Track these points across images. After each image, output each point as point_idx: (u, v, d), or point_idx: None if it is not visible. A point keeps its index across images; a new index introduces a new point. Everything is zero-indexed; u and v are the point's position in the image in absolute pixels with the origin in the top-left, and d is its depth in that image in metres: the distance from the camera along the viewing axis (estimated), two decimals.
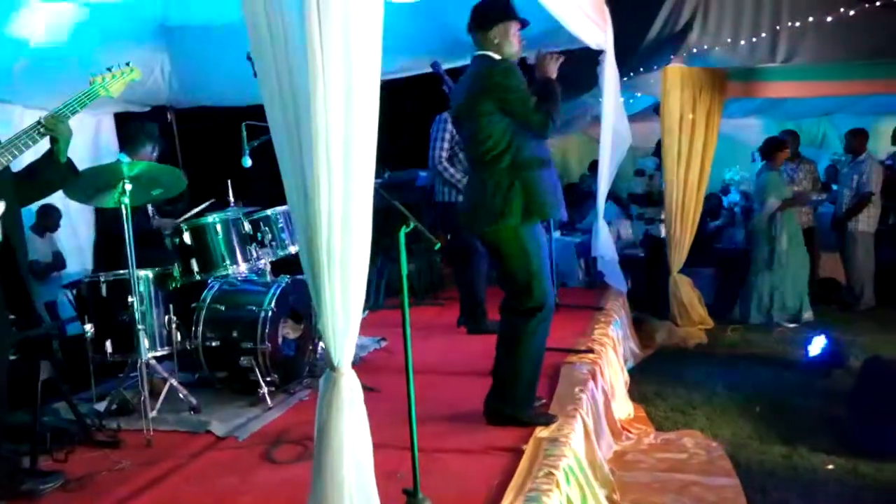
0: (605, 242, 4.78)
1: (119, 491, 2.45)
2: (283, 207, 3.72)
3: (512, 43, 2.76)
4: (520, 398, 2.75)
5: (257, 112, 4.31)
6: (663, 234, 5.45)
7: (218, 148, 5.05)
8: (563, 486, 2.31)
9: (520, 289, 2.71)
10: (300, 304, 3.54)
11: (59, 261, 4.22)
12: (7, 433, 2.54)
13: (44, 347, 2.80)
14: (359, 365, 3.73)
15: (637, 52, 5.55)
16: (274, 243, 3.58)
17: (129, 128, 3.90)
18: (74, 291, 3.38)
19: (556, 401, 2.97)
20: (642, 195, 6.68)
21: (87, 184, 2.96)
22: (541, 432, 2.64)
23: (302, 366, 3.53)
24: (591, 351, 3.56)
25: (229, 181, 3.73)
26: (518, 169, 2.68)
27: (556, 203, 2.78)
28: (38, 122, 2.32)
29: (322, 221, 1.54)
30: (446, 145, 4.28)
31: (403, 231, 1.98)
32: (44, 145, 2.41)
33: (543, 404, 2.89)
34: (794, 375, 4.35)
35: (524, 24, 2.81)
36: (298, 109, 1.54)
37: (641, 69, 5.55)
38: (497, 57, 2.74)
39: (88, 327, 3.08)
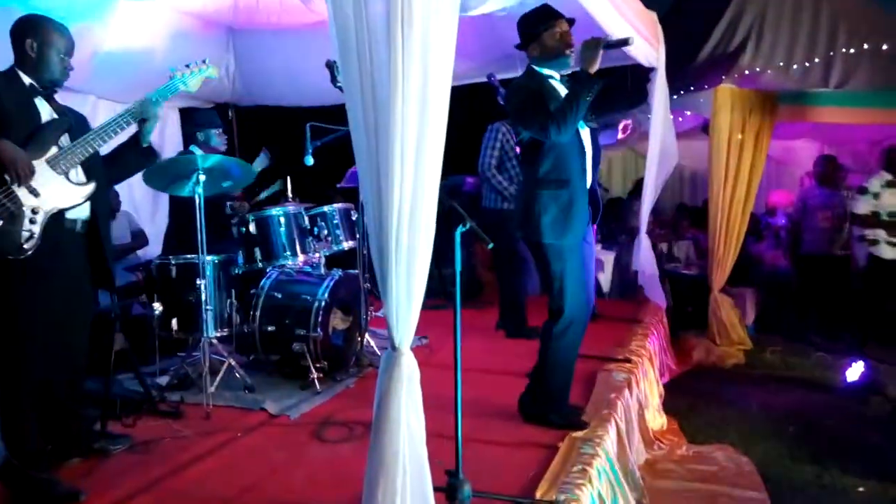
0: (646, 256, 4.86)
1: (181, 456, 2.65)
2: (340, 205, 3.94)
3: (557, 48, 2.74)
4: (550, 400, 2.85)
5: (317, 113, 4.57)
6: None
7: (274, 145, 5.30)
8: (595, 483, 2.42)
9: (553, 295, 2.81)
10: (350, 297, 3.73)
11: (141, 240, 4.50)
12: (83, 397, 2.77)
13: (117, 320, 3.02)
14: None
15: (688, 71, 5.61)
16: (329, 238, 3.79)
17: (198, 120, 4.15)
18: (143, 272, 3.63)
19: (591, 405, 3.08)
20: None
21: (165, 173, 3.21)
22: (575, 432, 2.75)
23: (348, 356, 3.72)
24: (627, 360, 3.66)
25: (288, 177, 3.95)
26: (536, 185, 2.76)
27: (567, 227, 2.73)
28: (132, 107, 2.53)
29: (393, 215, 1.71)
30: (496, 153, 4.43)
31: (459, 230, 2.12)
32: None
33: (580, 409, 2.98)
34: (831, 399, 4.35)
35: (570, 22, 2.80)
36: (378, 116, 1.71)
37: (692, 88, 5.61)
38: (542, 71, 2.80)
39: (157, 306, 3.31)
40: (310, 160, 3.73)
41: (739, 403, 4.24)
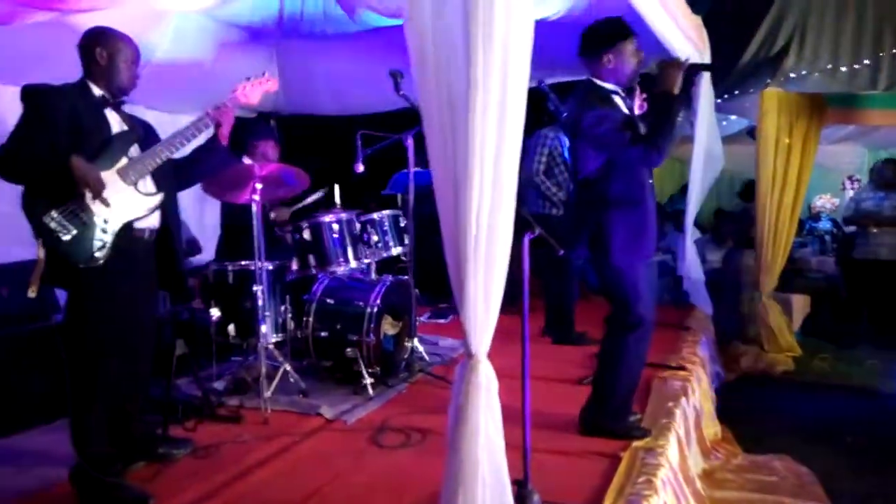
0: (691, 263, 4.79)
1: (243, 461, 2.68)
2: (388, 211, 3.96)
3: (628, 63, 2.70)
4: (614, 410, 2.82)
5: (359, 122, 4.61)
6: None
7: (316, 154, 5.35)
8: (661, 494, 2.39)
9: (619, 305, 2.77)
10: (400, 302, 3.74)
11: (195, 247, 4.59)
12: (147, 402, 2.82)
13: (179, 326, 3.08)
14: (449, 365, 3.93)
15: (731, 75, 5.54)
16: (379, 244, 3.81)
17: (250, 130, 4.21)
18: (199, 278, 3.68)
19: (648, 414, 3.05)
20: None
21: (221, 181, 3.26)
22: (637, 442, 2.72)
23: (399, 361, 3.73)
24: (682, 368, 3.61)
25: (336, 185, 3.98)
26: (604, 206, 2.68)
27: (637, 248, 2.71)
28: (206, 114, 2.58)
29: (471, 222, 1.71)
30: (544, 159, 4.42)
31: (527, 237, 2.12)
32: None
33: (639, 419, 2.96)
34: (887, 407, 4.24)
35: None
36: (455, 122, 1.71)
37: (736, 92, 5.54)
38: (608, 87, 2.72)
39: (214, 311, 3.36)
40: (360, 167, 3.75)
41: (792, 412, 4.16)
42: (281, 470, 2.63)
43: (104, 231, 2.32)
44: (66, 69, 2.45)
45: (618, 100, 2.76)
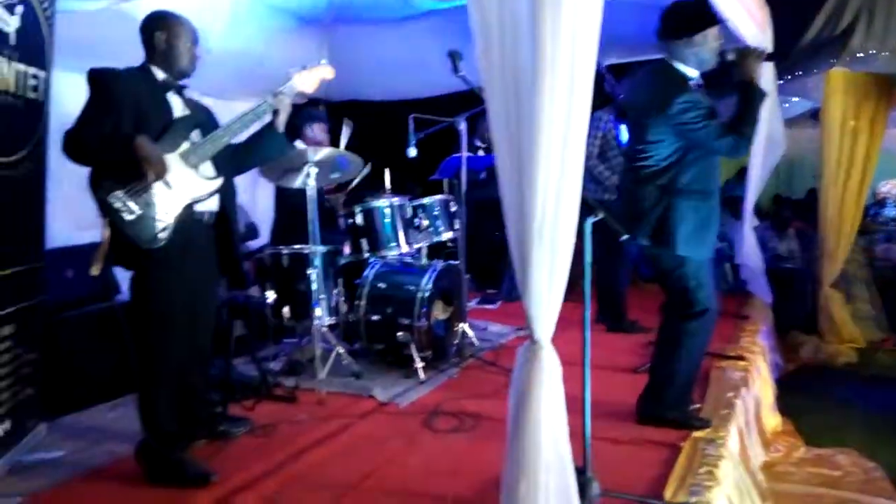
0: (750, 250, 4.64)
1: (299, 441, 2.72)
2: (439, 196, 3.94)
3: (712, 49, 2.60)
4: (674, 400, 2.75)
5: (409, 106, 4.59)
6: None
7: (366, 139, 5.34)
8: (724, 485, 2.33)
9: (681, 295, 2.69)
10: (450, 287, 3.74)
11: (253, 232, 4.69)
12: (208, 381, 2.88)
13: (235, 308, 3.14)
14: (499, 351, 3.92)
15: (793, 54, 5.31)
16: (430, 229, 3.80)
17: (303, 115, 4.23)
18: (255, 262, 3.74)
19: (708, 404, 2.97)
20: None
21: (277, 165, 3.30)
22: (696, 432, 2.66)
23: (449, 346, 3.73)
24: (741, 358, 3.51)
25: (387, 170, 3.99)
26: (673, 194, 2.59)
27: (703, 240, 2.64)
28: (266, 101, 2.59)
29: (537, 207, 1.67)
30: (597, 142, 4.33)
31: (590, 222, 2.07)
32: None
33: (698, 409, 2.88)
34: None
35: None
36: (521, 103, 1.68)
37: (799, 72, 5.30)
38: (685, 71, 2.61)
39: (270, 294, 3.41)
40: (412, 151, 3.74)
41: (856, 404, 4.01)
42: (336, 450, 2.67)
43: (166, 213, 2.37)
44: (124, 57, 2.49)
45: (693, 86, 2.64)
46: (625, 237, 2.14)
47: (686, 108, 2.51)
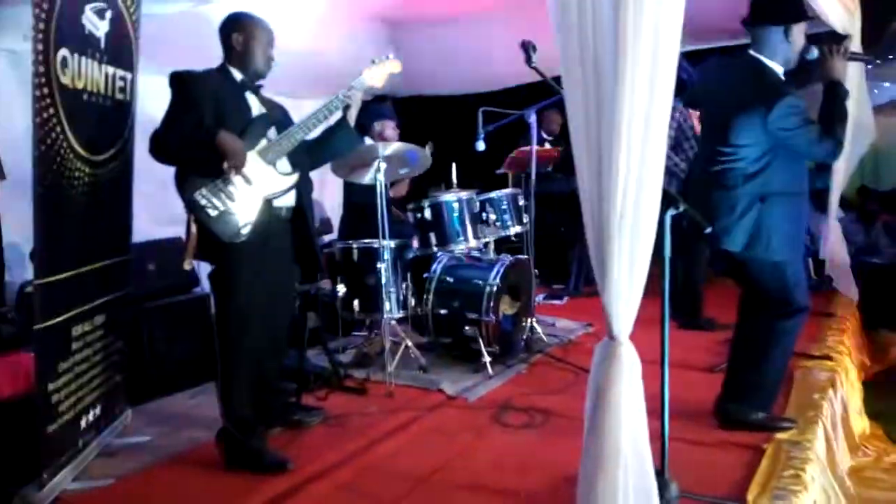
0: (835, 245, 4.40)
1: (371, 432, 2.76)
2: (507, 190, 3.91)
3: (798, 46, 2.47)
4: (759, 401, 2.62)
5: (473, 100, 4.56)
6: None
7: (431, 133, 5.36)
8: (811, 490, 2.22)
9: (779, 295, 2.55)
10: (518, 282, 3.70)
11: (326, 227, 4.81)
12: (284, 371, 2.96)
13: (310, 300, 3.20)
14: (568, 347, 3.86)
15: (884, 38, 5.00)
16: (498, 223, 3.77)
17: (372, 111, 4.28)
18: (326, 256, 3.81)
19: (792, 405, 2.84)
20: None
21: (347, 161, 3.34)
22: (780, 434, 2.54)
23: (517, 341, 3.70)
24: (828, 358, 3.33)
25: (454, 164, 3.97)
26: (766, 200, 2.46)
27: (797, 241, 2.55)
28: (337, 97, 2.63)
29: (616, 198, 1.63)
30: (672, 133, 4.19)
31: (670, 214, 2.00)
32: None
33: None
34: None
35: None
36: (600, 93, 1.63)
37: (890, 56, 4.99)
38: (775, 67, 2.47)
39: (341, 287, 3.47)
40: (481, 145, 3.72)
41: None
42: (407, 442, 2.69)
43: (247, 208, 2.44)
44: (203, 59, 2.57)
45: (788, 87, 2.49)
46: (709, 229, 2.04)
47: (788, 112, 2.36)
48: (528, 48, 2.89)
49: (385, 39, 5.46)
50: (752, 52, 2.50)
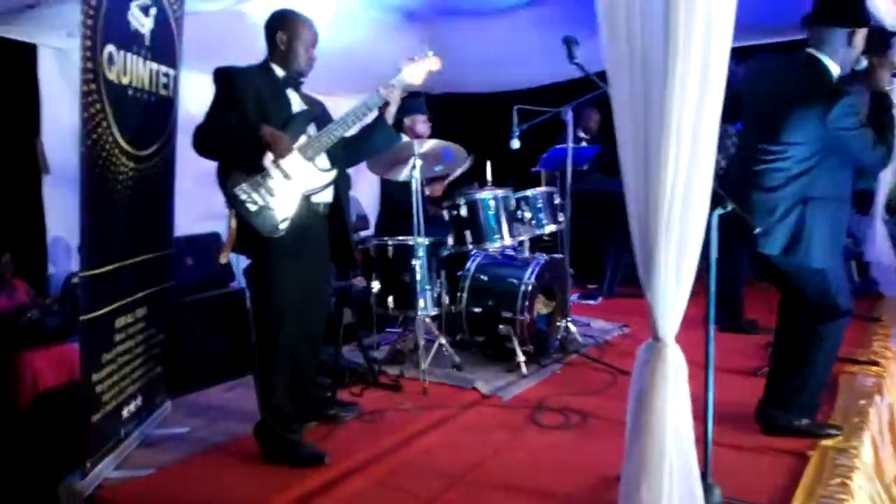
0: (881, 247, 4.27)
1: (406, 429, 2.76)
2: (543, 188, 3.87)
3: (858, 50, 2.39)
4: (802, 407, 2.55)
5: (507, 98, 4.52)
6: None
7: (465, 131, 5.34)
8: (858, 498, 2.16)
9: (821, 299, 2.48)
10: (553, 281, 3.67)
11: (363, 223, 4.83)
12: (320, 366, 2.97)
13: (344, 296, 3.22)
14: (603, 347, 3.81)
15: None
16: (533, 222, 3.74)
17: (405, 107, 4.27)
18: (361, 252, 3.82)
19: (838, 412, 2.76)
20: None
21: (383, 158, 3.34)
22: (825, 440, 2.48)
23: (552, 340, 3.67)
24: (874, 363, 3.23)
25: (488, 162, 3.95)
26: (808, 202, 2.38)
27: (837, 247, 2.47)
28: (377, 91, 2.63)
29: (664, 197, 1.59)
30: None
31: (716, 214, 1.96)
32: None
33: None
34: None
35: None
36: (649, 90, 1.60)
37: None
38: (833, 69, 2.39)
39: (375, 284, 3.48)
40: (516, 143, 3.69)
41: None
42: (442, 440, 2.68)
43: (286, 204, 2.45)
44: (243, 56, 2.58)
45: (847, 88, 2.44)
46: (757, 230, 1.98)
47: (848, 112, 2.30)
48: (570, 44, 2.85)
49: (420, 36, 5.45)
50: (811, 50, 2.42)
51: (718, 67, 1.58)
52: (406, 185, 3.35)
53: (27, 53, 3.64)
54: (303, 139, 2.54)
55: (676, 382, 1.66)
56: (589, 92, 3.65)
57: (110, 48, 2.31)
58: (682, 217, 1.61)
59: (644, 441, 1.66)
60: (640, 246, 1.68)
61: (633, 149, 1.66)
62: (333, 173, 2.59)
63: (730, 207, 1.91)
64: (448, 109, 6.61)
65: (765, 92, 2.54)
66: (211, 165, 2.48)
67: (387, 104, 2.66)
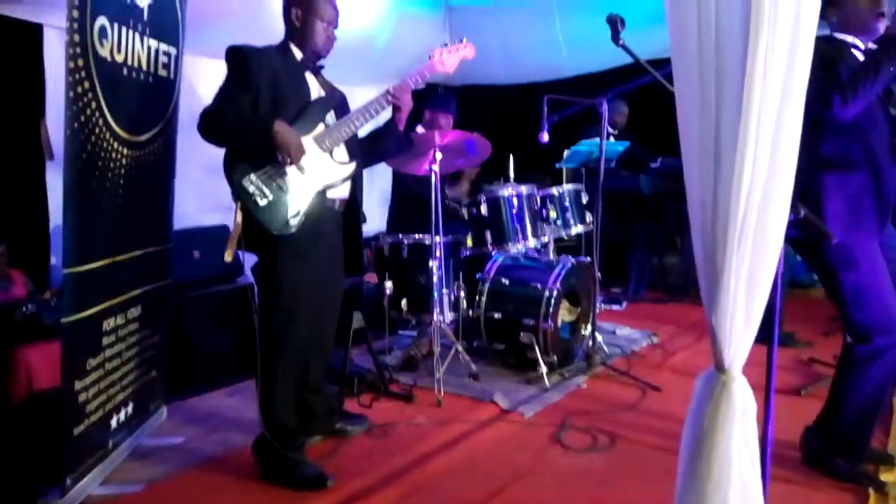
0: None
1: (419, 446, 2.53)
2: (570, 186, 3.62)
3: (860, 14, 2.17)
4: (842, 445, 2.26)
5: (529, 91, 4.26)
6: None
7: (487, 124, 5.10)
8: None
9: (846, 312, 2.19)
10: (578, 287, 3.42)
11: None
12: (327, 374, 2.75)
13: (353, 297, 2.99)
14: (631, 359, 3.56)
15: None
16: (559, 222, 3.49)
17: (425, 99, 4.04)
18: (373, 250, 3.59)
19: (893, 441, 2.50)
20: None
21: None
22: (886, 474, 2.22)
23: (576, 350, 3.43)
24: None
25: (511, 157, 3.70)
26: (822, 167, 2.11)
27: (863, 221, 2.10)
28: (387, 91, 2.41)
29: (738, 208, 1.34)
30: None
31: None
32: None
33: (885, 455, 2.39)
34: None
35: None
36: (723, 82, 1.34)
37: None
38: (843, 38, 2.19)
39: (388, 285, 3.25)
40: (545, 136, 3.42)
41: None
42: (458, 461, 2.45)
43: (299, 198, 2.23)
44: (256, 40, 2.36)
45: (857, 54, 2.17)
46: (834, 240, 1.72)
47: (831, 57, 2.08)
48: (615, 23, 2.57)
49: (440, 26, 5.22)
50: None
51: (804, 58, 1.33)
52: (422, 179, 3.11)
53: (32, 34, 3.43)
54: (320, 128, 2.30)
55: (744, 423, 1.41)
56: (619, 83, 3.39)
57: (102, 20, 2.08)
58: (759, 230, 1.36)
59: (704, 487, 1.41)
60: (704, 261, 1.43)
61: (700, 151, 1.39)
62: (352, 167, 2.36)
63: (802, 214, 1.65)
64: (469, 100, 6.37)
65: None
66: (222, 153, 2.25)
67: (397, 109, 2.44)
